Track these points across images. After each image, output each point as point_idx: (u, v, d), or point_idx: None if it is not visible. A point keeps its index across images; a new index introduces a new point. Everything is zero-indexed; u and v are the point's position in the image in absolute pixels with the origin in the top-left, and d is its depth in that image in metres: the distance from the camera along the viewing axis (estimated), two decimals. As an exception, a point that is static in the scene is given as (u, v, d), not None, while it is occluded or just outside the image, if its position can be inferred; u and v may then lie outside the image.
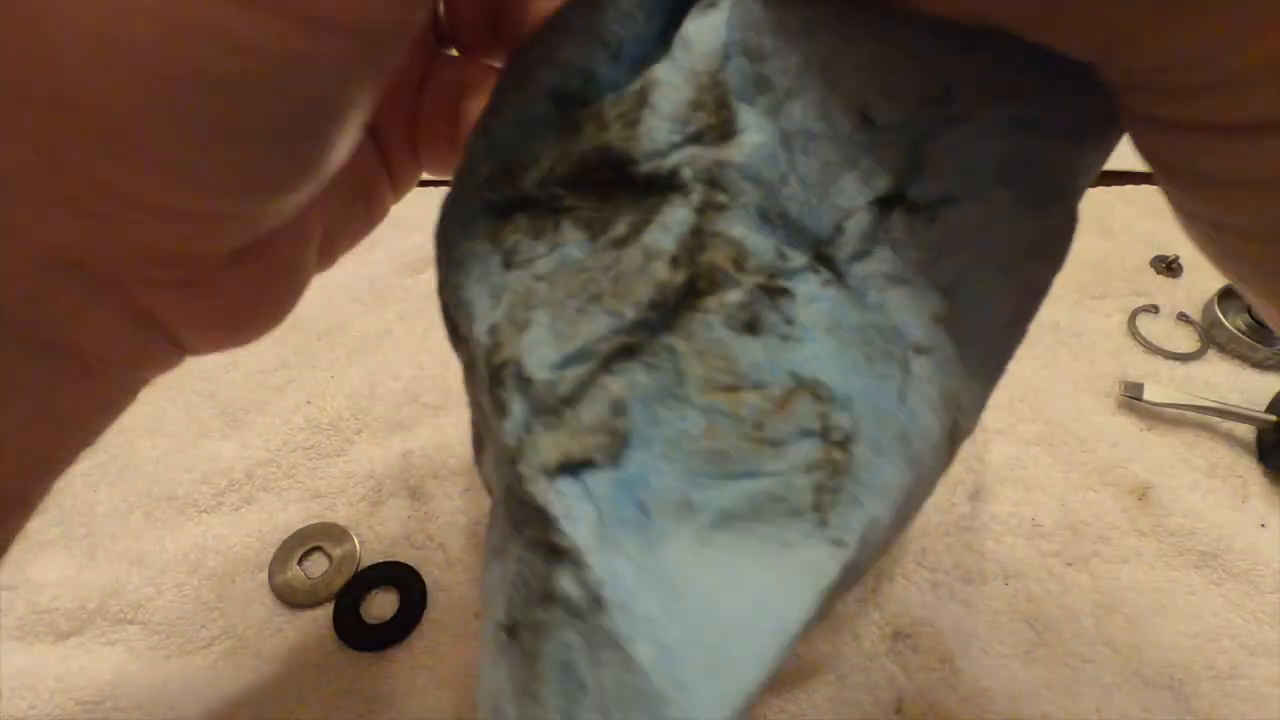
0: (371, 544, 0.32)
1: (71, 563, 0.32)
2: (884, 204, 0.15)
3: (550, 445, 0.13)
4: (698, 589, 0.12)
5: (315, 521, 0.33)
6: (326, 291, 0.41)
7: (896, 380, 0.14)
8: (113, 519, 0.33)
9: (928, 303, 0.15)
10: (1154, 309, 0.42)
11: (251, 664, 0.29)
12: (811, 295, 0.14)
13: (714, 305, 0.13)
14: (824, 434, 0.13)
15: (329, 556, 0.32)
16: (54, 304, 0.14)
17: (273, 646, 0.30)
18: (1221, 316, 0.39)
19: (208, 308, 0.16)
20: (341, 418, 0.36)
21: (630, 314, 0.13)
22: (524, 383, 0.13)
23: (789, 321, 0.14)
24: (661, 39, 0.15)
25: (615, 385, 0.13)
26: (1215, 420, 0.37)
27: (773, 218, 0.14)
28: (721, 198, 0.14)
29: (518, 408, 0.13)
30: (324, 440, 0.35)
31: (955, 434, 0.15)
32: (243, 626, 0.30)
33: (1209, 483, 0.35)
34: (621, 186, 0.14)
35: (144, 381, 0.17)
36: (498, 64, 0.19)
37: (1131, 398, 0.37)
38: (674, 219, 0.14)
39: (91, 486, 0.34)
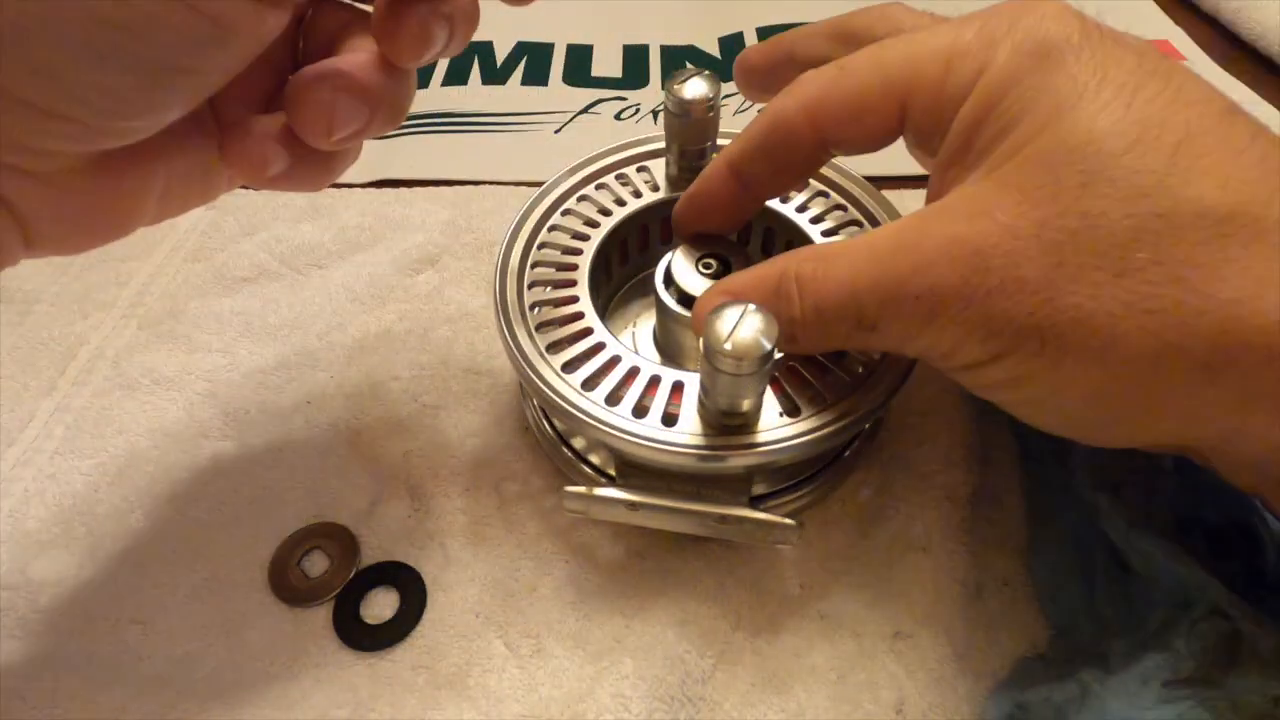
0: (371, 544, 0.32)
1: (71, 563, 0.32)
2: None
3: None
4: None
5: (315, 521, 0.33)
6: (326, 291, 0.41)
7: None
8: (113, 519, 0.33)
9: None
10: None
11: (251, 664, 0.29)
12: None
13: None
14: None
15: (329, 556, 0.32)
16: None
17: (273, 646, 0.30)
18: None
19: (55, 205, 0.21)
20: (341, 418, 0.36)
21: None
22: None
23: None
24: None
25: None
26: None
27: None
28: None
29: None
30: (324, 440, 0.35)
31: None
32: (243, 626, 0.30)
33: (1209, 483, 0.35)
34: None
35: None
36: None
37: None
38: None
39: (92, 487, 0.34)
